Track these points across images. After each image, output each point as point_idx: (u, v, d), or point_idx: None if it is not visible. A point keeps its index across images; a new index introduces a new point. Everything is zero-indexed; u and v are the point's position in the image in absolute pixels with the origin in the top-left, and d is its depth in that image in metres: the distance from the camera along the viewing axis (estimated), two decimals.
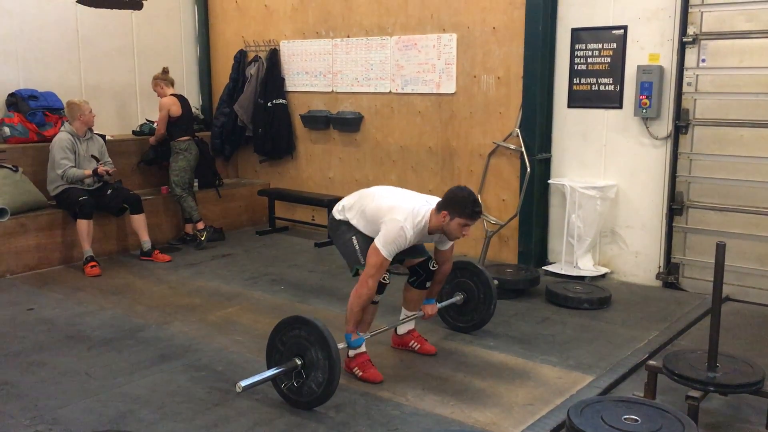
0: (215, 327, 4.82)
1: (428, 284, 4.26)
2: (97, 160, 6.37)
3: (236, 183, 8.25)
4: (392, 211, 3.84)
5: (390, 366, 4.13)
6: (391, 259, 3.82)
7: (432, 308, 4.32)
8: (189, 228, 7.18)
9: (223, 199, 7.67)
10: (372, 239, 3.87)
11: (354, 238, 4.00)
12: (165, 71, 7.08)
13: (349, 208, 4.07)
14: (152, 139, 7.22)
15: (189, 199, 7.06)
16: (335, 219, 4.13)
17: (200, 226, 7.05)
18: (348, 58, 7.25)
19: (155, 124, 7.41)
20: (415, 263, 4.21)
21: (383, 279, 3.93)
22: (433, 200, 3.95)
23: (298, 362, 3.53)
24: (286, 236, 7.62)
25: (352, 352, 4.00)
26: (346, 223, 4.06)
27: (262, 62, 7.79)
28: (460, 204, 3.77)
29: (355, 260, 3.99)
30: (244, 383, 3.37)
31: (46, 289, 5.69)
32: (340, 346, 3.64)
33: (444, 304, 4.52)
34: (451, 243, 4.14)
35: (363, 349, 4.00)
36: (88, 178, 6.25)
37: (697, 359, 3.46)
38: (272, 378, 3.57)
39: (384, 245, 3.77)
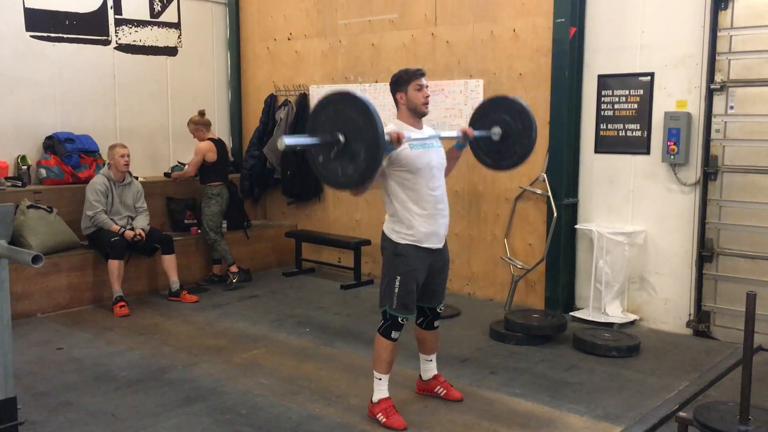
0: (240, 369, 4.84)
1: (436, 323, 4.22)
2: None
3: (264, 224, 8.34)
4: None
5: (414, 412, 4.10)
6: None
7: (468, 129, 4.15)
8: (216, 269, 7.26)
9: (251, 240, 7.75)
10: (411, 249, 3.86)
11: (398, 279, 3.86)
12: (202, 114, 7.20)
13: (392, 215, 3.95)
14: (176, 174, 7.36)
15: (223, 242, 7.16)
16: (391, 240, 3.93)
17: (234, 269, 7.14)
18: (376, 102, 7.23)
19: (187, 166, 7.55)
20: (424, 305, 4.15)
21: (401, 320, 3.91)
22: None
23: (341, 139, 3.30)
24: (313, 278, 7.66)
25: (375, 397, 3.98)
26: (399, 254, 3.87)
27: (291, 106, 7.94)
28: (401, 78, 3.93)
29: (388, 300, 3.90)
30: (287, 140, 3.26)
31: (75, 329, 5.76)
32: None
33: (480, 134, 4.23)
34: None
35: (387, 394, 3.98)
36: (114, 232, 6.27)
37: (728, 411, 3.38)
38: (312, 144, 3.38)
39: None
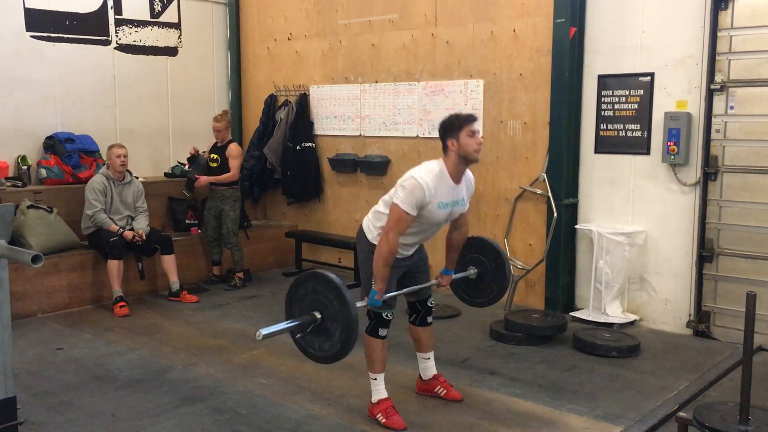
0: (240, 369, 4.83)
1: (429, 319, 4.24)
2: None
3: (264, 225, 8.34)
4: (404, 178, 3.78)
5: (414, 412, 4.09)
6: (412, 213, 3.69)
7: (447, 278, 4.27)
8: (216, 270, 7.25)
9: (251, 240, 7.74)
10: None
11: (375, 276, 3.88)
12: (227, 113, 7.19)
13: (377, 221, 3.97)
14: (216, 178, 7.01)
15: (240, 247, 7.17)
16: (367, 240, 3.95)
17: (240, 275, 7.17)
18: (376, 102, 7.36)
19: (186, 167, 7.54)
20: (414, 300, 4.19)
21: (386, 315, 3.91)
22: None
23: (318, 317, 3.44)
24: None
25: (375, 398, 3.98)
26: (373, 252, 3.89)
27: (291, 106, 7.94)
28: (452, 125, 3.82)
29: (367, 296, 3.92)
30: (264, 332, 3.31)
31: (75, 329, 5.76)
32: (359, 304, 3.57)
33: (457, 276, 4.36)
34: (467, 210, 4.11)
35: (386, 394, 3.98)
36: (113, 232, 6.25)
37: (728, 412, 3.39)
38: (291, 328, 3.50)
39: (403, 200, 3.69)
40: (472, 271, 4.41)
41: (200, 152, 7.26)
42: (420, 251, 4.14)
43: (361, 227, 4.05)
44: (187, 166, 7.49)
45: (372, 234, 3.95)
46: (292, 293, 3.57)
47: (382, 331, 3.95)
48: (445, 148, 3.84)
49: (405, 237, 3.85)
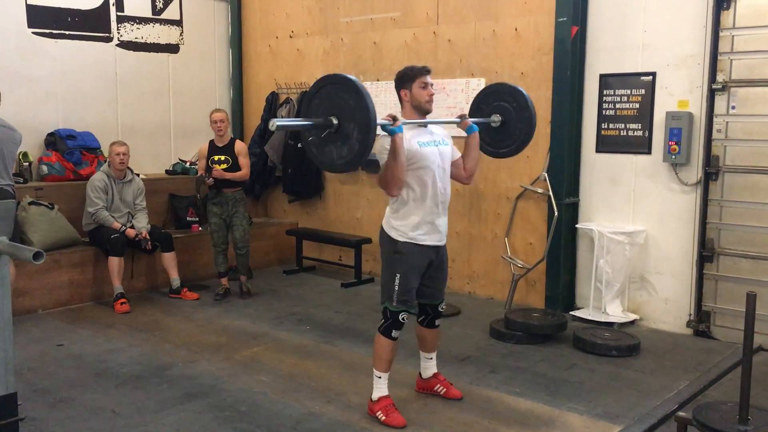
0: (241, 366, 4.84)
1: (437, 322, 4.22)
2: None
3: (265, 222, 8.34)
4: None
5: (414, 410, 4.10)
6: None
7: (466, 122, 4.15)
8: (225, 281, 6.82)
9: (252, 238, 7.69)
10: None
11: (398, 276, 3.87)
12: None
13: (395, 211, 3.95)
14: (229, 174, 6.49)
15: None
16: (389, 237, 3.93)
17: (243, 279, 6.85)
18: (377, 100, 7.28)
19: (188, 164, 7.54)
20: (426, 303, 4.15)
21: (401, 318, 3.89)
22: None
23: (335, 122, 3.37)
24: (313, 276, 7.66)
25: (375, 395, 3.99)
26: (398, 252, 3.88)
27: (293, 104, 7.93)
28: (405, 76, 3.92)
29: (387, 296, 3.91)
30: (278, 122, 3.29)
31: (76, 325, 5.77)
32: (380, 121, 3.53)
33: (479, 120, 4.25)
34: (459, 154, 4.13)
35: (386, 392, 3.99)
36: (114, 230, 6.24)
37: (728, 411, 3.38)
38: (304, 127, 3.45)
39: (384, 151, 3.73)
40: (495, 118, 4.36)
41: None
42: (442, 250, 4.09)
43: (381, 228, 4.02)
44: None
45: (392, 230, 3.93)
46: (306, 104, 3.50)
47: (395, 333, 3.93)
48: (400, 100, 3.96)
49: (423, 199, 3.84)
